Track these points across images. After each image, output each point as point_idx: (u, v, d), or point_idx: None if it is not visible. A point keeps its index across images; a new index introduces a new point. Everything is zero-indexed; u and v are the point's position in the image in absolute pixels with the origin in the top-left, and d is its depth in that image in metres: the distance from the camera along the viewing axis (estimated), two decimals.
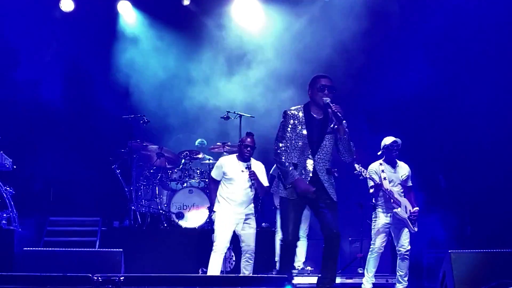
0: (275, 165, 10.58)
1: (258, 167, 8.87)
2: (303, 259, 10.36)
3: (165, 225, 11.23)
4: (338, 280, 9.71)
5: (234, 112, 11.53)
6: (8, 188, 10.24)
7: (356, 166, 8.87)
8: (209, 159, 11.77)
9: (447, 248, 8.83)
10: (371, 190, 8.99)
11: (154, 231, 11.14)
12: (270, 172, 10.42)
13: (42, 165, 12.25)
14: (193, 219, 11.04)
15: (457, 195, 11.68)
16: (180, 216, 11.05)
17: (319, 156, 6.71)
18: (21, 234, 10.01)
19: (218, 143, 11.52)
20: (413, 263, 9.32)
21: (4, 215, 10.01)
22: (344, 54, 11.91)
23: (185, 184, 11.45)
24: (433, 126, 11.96)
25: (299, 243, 10.36)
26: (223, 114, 11.54)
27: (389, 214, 8.92)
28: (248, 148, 8.74)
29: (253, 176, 8.63)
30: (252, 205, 8.83)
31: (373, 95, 11.99)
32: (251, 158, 8.86)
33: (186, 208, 11.13)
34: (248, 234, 8.70)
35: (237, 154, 8.94)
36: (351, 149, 6.78)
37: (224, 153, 11.07)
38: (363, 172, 8.86)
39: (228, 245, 8.70)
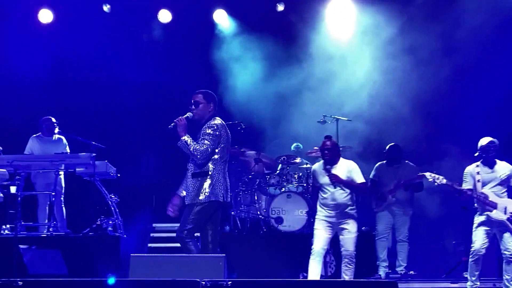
0: (374, 169, 10.55)
1: (344, 167, 8.71)
2: (405, 264, 10.21)
3: (265, 230, 11.29)
4: (443, 284, 9.52)
5: (331, 116, 11.50)
6: (113, 196, 10.58)
7: (427, 174, 8.76)
8: (306, 163, 11.77)
9: None
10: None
11: (254, 236, 11.22)
12: (370, 177, 10.34)
13: (144, 173, 12.56)
14: (292, 223, 11.05)
15: None
16: (279, 220, 11.08)
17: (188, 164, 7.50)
18: (126, 240, 10.32)
19: (315, 147, 11.50)
20: None
21: (110, 222, 10.34)
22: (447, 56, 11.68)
23: (283, 189, 11.48)
24: None
25: (401, 247, 10.28)
26: (319, 118, 11.54)
27: (485, 217, 8.70)
28: (326, 151, 8.68)
29: (334, 178, 8.55)
30: (350, 208, 8.69)
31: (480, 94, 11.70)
32: (341, 158, 8.78)
33: (285, 212, 11.15)
34: (346, 239, 8.61)
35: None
36: (191, 153, 7.39)
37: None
38: (437, 179, 8.68)
39: (324, 249, 8.63)
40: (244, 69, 13.00)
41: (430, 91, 11.79)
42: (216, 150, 7.46)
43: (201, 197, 7.36)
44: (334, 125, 11.53)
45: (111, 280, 5.67)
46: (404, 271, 10.10)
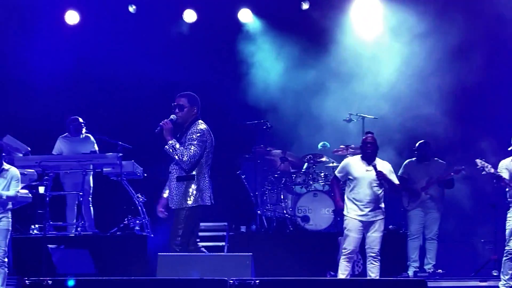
0: (403, 166, 10.50)
1: (384, 166, 8.71)
2: (434, 262, 10.15)
3: (291, 228, 11.28)
4: (472, 283, 9.44)
5: (357, 114, 11.46)
6: (140, 196, 10.64)
7: (478, 161, 8.70)
8: (332, 162, 11.74)
9: None
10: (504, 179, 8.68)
11: (280, 235, 11.21)
12: (399, 174, 10.29)
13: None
14: (319, 222, 11.03)
15: None
16: (306, 219, 11.07)
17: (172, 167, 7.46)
18: (153, 239, 10.36)
19: (341, 146, 11.47)
20: None
21: (137, 221, 10.41)
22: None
23: (309, 188, 11.47)
24: None
25: (430, 245, 10.20)
26: (345, 117, 11.51)
27: None
28: (369, 145, 8.64)
29: (381, 175, 8.51)
30: (382, 206, 8.66)
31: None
32: (376, 158, 8.75)
33: (311, 211, 11.13)
34: (373, 237, 8.57)
35: (361, 155, 8.86)
36: (178, 158, 7.32)
37: (348, 155, 10.99)
38: (486, 167, 8.61)
39: (356, 250, 8.63)
40: (269, 68, 12.98)
41: (461, 87, 11.68)
42: (202, 156, 7.41)
43: (189, 201, 7.31)
44: (360, 123, 11.48)
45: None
46: (432, 270, 10.04)
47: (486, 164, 8.67)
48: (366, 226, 8.57)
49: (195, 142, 7.33)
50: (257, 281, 5.10)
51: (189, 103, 7.55)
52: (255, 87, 12.88)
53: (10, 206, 8.68)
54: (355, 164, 8.72)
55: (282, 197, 11.58)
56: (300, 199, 11.24)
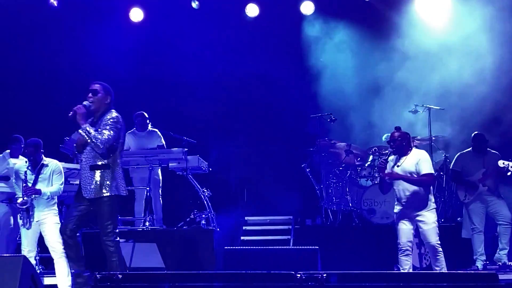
0: (455, 159, 10.29)
1: (414, 157, 8.45)
2: (508, 247, 9.86)
3: (357, 221, 11.22)
4: None
5: (423, 105, 11.30)
6: (205, 190, 10.74)
7: (500, 162, 8.68)
8: None
9: None
10: None
11: (346, 228, 11.17)
12: (451, 167, 10.12)
13: (234, 167, 12.70)
14: (385, 215, 10.95)
15: None
16: (372, 212, 10.99)
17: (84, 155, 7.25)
18: (219, 234, 10.46)
19: None
20: None
21: (203, 215, 10.51)
22: None
23: (375, 181, 11.37)
24: None
25: (504, 230, 9.95)
26: (411, 108, 11.37)
27: None
28: (392, 143, 8.52)
29: (387, 175, 8.40)
30: (426, 199, 8.36)
31: None
32: (413, 149, 8.59)
33: (377, 204, 11.05)
34: (425, 231, 8.36)
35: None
36: (93, 142, 7.09)
37: (414, 147, 10.85)
38: (510, 166, 8.42)
39: (410, 242, 8.44)
40: (333, 60, 12.91)
41: None
42: (116, 144, 7.26)
43: (105, 191, 7.12)
44: (426, 114, 11.30)
45: None
46: (506, 258, 9.78)
47: (510, 164, 8.54)
48: (413, 220, 8.42)
49: (109, 127, 7.15)
50: (325, 275, 5.08)
51: (103, 91, 7.39)
52: (320, 80, 12.83)
53: (55, 201, 8.76)
54: (390, 161, 8.64)
55: (347, 190, 11.52)
56: (365, 192, 11.18)
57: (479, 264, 9.87)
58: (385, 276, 5.63)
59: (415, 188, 8.38)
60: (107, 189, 7.13)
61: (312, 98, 12.71)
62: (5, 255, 8.76)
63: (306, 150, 12.04)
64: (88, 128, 7.12)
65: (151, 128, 11.63)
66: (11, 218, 9.48)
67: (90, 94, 7.33)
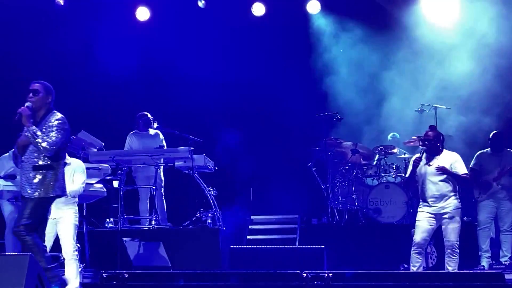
0: (475, 157, 10.27)
1: (447, 158, 8.52)
2: (510, 254, 9.90)
3: (363, 221, 11.21)
4: None
5: (429, 105, 11.27)
6: (211, 189, 10.73)
7: None
8: (404, 153, 11.60)
9: None
10: None
11: (352, 227, 11.15)
12: (470, 166, 10.08)
13: (240, 166, 12.68)
14: (391, 214, 10.96)
15: None
16: (378, 211, 10.98)
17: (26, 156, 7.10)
18: (225, 232, 10.45)
19: (413, 137, 11.31)
20: None
21: (209, 214, 10.50)
22: None
23: (381, 180, 11.36)
24: None
25: (505, 237, 9.96)
26: (417, 107, 11.35)
27: None
28: (426, 142, 8.51)
29: (440, 169, 8.37)
30: (452, 198, 8.46)
31: None
32: (444, 150, 8.59)
33: (384, 203, 11.04)
34: (448, 229, 8.40)
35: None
36: (39, 144, 6.98)
37: (420, 147, 10.83)
38: None
39: (425, 240, 8.46)
40: (339, 60, 12.90)
41: None
42: (63, 146, 7.19)
43: (45, 191, 7.03)
44: (432, 114, 11.28)
45: None
46: (508, 262, 9.81)
47: None
48: (438, 218, 8.43)
49: (56, 129, 7.08)
50: (330, 274, 5.08)
51: (44, 90, 7.26)
52: (325, 79, 12.82)
53: (76, 200, 8.67)
54: (419, 160, 8.62)
55: (353, 189, 11.51)
56: (371, 191, 11.18)
57: (484, 261, 9.85)
58: (391, 276, 5.64)
59: (446, 187, 8.41)
60: (48, 189, 7.06)
61: (318, 97, 12.70)
62: (11, 253, 8.75)
63: (312, 149, 12.02)
64: (35, 130, 7.05)
65: (156, 129, 11.60)
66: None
67: (30, 94, 7.23)
